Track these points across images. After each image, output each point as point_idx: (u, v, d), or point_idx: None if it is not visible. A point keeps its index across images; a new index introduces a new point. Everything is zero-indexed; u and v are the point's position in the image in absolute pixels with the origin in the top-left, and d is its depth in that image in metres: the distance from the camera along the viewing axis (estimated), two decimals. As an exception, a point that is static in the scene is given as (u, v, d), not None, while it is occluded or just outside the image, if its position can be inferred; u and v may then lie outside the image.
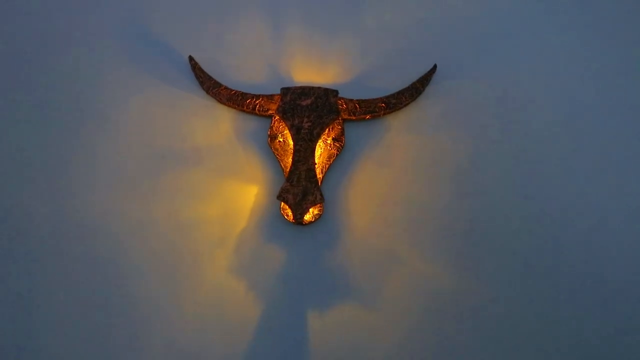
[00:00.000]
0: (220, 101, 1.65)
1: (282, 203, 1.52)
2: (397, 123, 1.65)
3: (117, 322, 1.48)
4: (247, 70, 1.72)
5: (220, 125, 1.66)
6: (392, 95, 1.64)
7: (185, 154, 1.63)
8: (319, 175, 1.56)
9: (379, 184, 1.59)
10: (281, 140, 1.60)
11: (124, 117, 1.67)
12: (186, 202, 1.58)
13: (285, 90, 1.62)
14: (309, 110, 1.58)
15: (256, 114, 1.64)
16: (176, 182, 1.60)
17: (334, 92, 1.62)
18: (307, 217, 1.51)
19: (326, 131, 1.58)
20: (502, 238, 1.54)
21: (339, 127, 1.60)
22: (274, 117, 1.61)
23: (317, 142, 1.55)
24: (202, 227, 1.56)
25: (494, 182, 1.59)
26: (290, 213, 1.50)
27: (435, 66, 1.68)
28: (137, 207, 1.57)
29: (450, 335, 1.47)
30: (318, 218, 1.53)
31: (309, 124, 1.56)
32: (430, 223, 1.55)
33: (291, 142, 1.55)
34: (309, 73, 1.71)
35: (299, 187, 1.49)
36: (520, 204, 1.57)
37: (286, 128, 1.57)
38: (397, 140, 1.64)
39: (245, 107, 1.63)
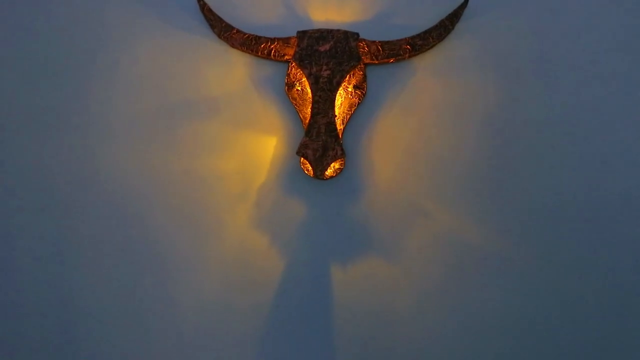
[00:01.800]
0: (232, 46, 1.54)
1: (302, 158, 1.46)
2: (424, 65, 1.53)
3: (143, 278, 1.51)
4: (261, 10, 1.58)
5: (235, 72, 1.56)
6: (418, 36, 1.50)
7: (199, 104, 1.56)
8: (340, 127, 1.48)
9: (404, 132, 1.51)
10: (299, 89, 1.50)
11: (133, 67, 1.58)
12: (204, 156, 1.54)
13: (302, 34, 1.50)
14: (327, 57, 1.47)
15: (272, 59, 1.53)
16: (192, 136, 1.55)
17: (355, 35, 1.49)
18: (329, 171, 1.46)
19: (347, 79, 1.48)
20: (532, 190, 1.47)
21: (361, 73, 1.50)
22: (291, 64, 1.50)
23: (337, 91, 1.45)
24: (222, 182, 1.53)
25: (526, 129, 1.50)
26: (310, 168, 1.45)
27: (466, 0, 1.51)
28: (154, 162, 1.54)
29: (474, 290, 1.46)
30: (340, 172, 1.48)
31: (328, 72, 1.46)
32: (457, 174, 1.49)
33: (310, 92, 1.46)
34: (327, 11, 1.57)
35: (319, 142, 1.42)
36: (553, 154, 1.48)
37: (304, 76, 1.47)
38: (423, 85, 1.53)
39: (259, 53, 1.52)
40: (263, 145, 1.53)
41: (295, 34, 1.51)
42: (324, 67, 1.46)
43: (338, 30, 1.49)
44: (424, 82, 1.52)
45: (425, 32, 1.50)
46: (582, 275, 1.45)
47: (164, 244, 1.52)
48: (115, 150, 1.55)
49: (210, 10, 1.56)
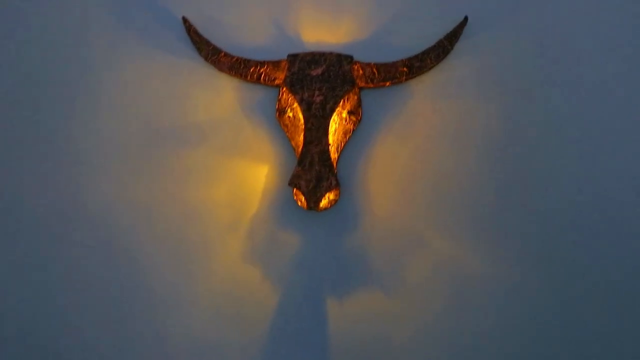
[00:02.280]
0: (220, 70, 1.47)
1: (295, 189, 1.39)
2: (422, 88, 1.46)
3: (130, 313, 1.45)
4: (250, 31, 1.51)
5: (223, 97, 1.49)
6: (416, 57, 1.42)
7: (186, 131, 1.49)
8: (334, 155, 1.41)
9: (401, 159, 1.44)
10: (291, 115, 1.43)
11: (116, 92, 1.51)
12: (192, 185, 1.47)
13: (293, 58, 1.42)
14: (320, 82, 1.39)
15: (262, 84, 1.46)
16: (179, 164, 1.48)
17: (348, 58, 1.41)
18: (323, 203, 1.39)
19: (340, 104, 1.40)
20: (537, 219, 1.40)
21: (355, 97, 1.42)
22: (282, 89, 1.43)
23: (330, 118, 1.38)
24: (211, 212, 1.46)
25: (529, 154, 1.42)
26: (303, 200, 1.37)
27: (466, 19, 1.44)
28: (140, 192, 1.47)
29: (477, 323, 1.39)
30: (335, 203, 1.41)
31: (321, 97, 1.38)
32: (458, 202, 1.42)
33: (302, 118, 1.39)
34: (319, 31, 1.49)
35: (312, 173, 1.35)
36: (558, 180, 1.41)
37: (295, 102, 1.40)
38: (421, 109, 1.45)
39: (249, 77, 1.45)
40: (254, 174, 1.46)
41: (286, 57, 1.44)
42: (317, 93, 1.39)
43: (331, 53, 1.41)
44: (422, 105, 1.45)
45: (423, 53, 1.42)
46: (592, 305, 1.38)
47: (151, 278, 1.45)
48: (98, 180, 1.48)
49: (196, 32, 1.49)
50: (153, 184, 1.47)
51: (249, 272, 1.44)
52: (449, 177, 1.42)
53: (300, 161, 1.36)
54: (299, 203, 1.40)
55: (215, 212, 1.46)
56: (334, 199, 1.40)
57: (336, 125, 1.42)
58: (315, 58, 1.41)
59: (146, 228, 1.46)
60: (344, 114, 1.42)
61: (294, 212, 1.43)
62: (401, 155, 1.44)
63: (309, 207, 1.36)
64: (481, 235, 1.41)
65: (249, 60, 1.45)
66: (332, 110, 1.38)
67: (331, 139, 1.40)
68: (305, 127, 1.37)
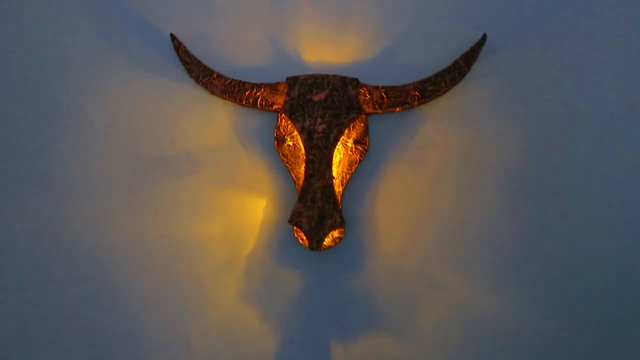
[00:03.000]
0: (213, 93, 1.34)
1: (295, 227, 1.27)
2: (435, 114, 1.32)
3: (118, 356, 1.33)
4: (245, 50, 1.37)
5: (216, 123, 1.36)
6: (429, 80, 1.29)
7: (177, 160, 1.36)
8: (339, 189, 1.28)
9: (412, 192, 1.31)
10: (291, 144, 1.30)
11: (100, 117, 1.38)
12: (183, 219, 1.35)
13: (293, 81, 1.28)
14: (323, 108, 1.26)
15: (259, 109, 1.32)
16: (170, 196, 1.35)
17: (354, 82, 1.28)
18: (326, 241, 1.27)
19: (345, 133, 1.27)
20: (556, 260, 1.28)
21: (362, 124, 1.29)
22: (281, 115, 1.30)
23: (334, 148, 1.25)
24: (204, 249, 1.34)
25: (552, 188, 1.29)
26: (305, 238, 1.25)
27: (484, 36, 1.29)
28: (127, 227, 1.35)
29: (494, 373, 1.28)
30: (339, 241, 1.28)
31: (324, 126, 1.25)
32: (473, 240, 1.30)
33: (303, 148, 1.26)
34: (321, 50, 1.35)
35: (314, 209, 1.23)
36: (581, 218, 1.28)
37: (295, 130, 1.27)
38: (434, 137, 1.32)
39: (244, 101, 1.32)
40: (251, 208, 1.34)
41: (284, 79, 1.30)
42: (319, 120, 1.25)
43: (334, 76, 1.28)
44: (436, 133, 1.32)
45: (437, 75, 1.29)
46: (610, 350, 1.26)
47: (140, 319, 1.34)
48: (82, 213, 1.36)
49: (186, 51, 1.35)
50: (141, 218, 1.35)
51: (246, 314, 1.32)
52: (464, 213, 1.30)
53: (302, 197, 1.23)
54: (300, 241, 1.28)
55: (209, 249, 1.34)
56: (339, 237, 1.28)
57: (341, 155, 1.29)
58: (317, 81, 1.27)
59: (135, 266, 1.34)
60: (350, 144, 1.29)
61: (295, 250, 1.31)
62: (412, 188, 1.31)
63: (311, 247, 1.24)
64: (497, 276, 1.29)
65: (244, 83, 1.32)
66: (336, 140, 1.25)
67: (335, 171, 1.27)
68: (306, 158, 1.24)
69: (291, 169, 1.30)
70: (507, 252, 1.29)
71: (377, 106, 1.29)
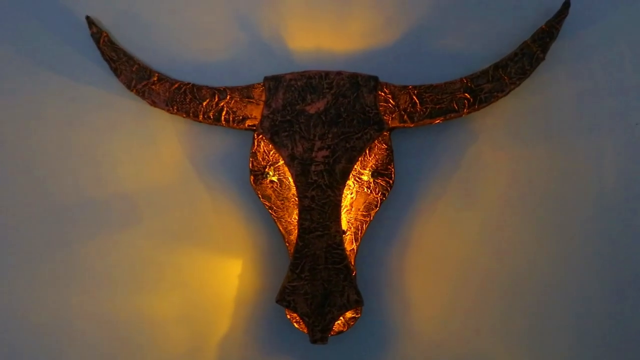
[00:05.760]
0: (153, 104, 0.88)
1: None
2: (494, 124, 0.88)
3: None
4: (200, 36, 0.91)
5: (162, 150, 0.92)
6: (484, 74, 0.84)
7: (107, 207, 0.92)
8: (352, 246, 0.86)
9: (457, 246, 0.90)
10: (275, 180, 0.86)
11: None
12: (122, 292, 0.93)
13: (274, 83, 0.83)
14: (323, 124, 0.82)
15: (223, 126, 0.87)
16: (100, 259, 0.93)
17: (370, 81, 0.83)
18: (336, 327, 0.83)
19: (359, 161, 0.83)
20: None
21: (384, 146, 0.85)
22: (258, 136, 0.84)
23: (343, 185, 0.81)
24: (154, 333, 0.93)
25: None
26: (303, 325, 0.82)
27: (567, 4, 0.84)
28: (39, 303, 0.92)
29: None
30: (354, 323, 0.85)
31: (326, 152, 0.81)
32: (542, 311, 0.88)
33: (294, 187, 0.81)
34: (316, 33, 0.89)
35: (316, 283, 0.80)
36: None
37: (282, 159, 0.82)
38: (492, 161, 0.89)
39: (201, 116, 0.87)
40: (221, 275, 0.93)
41: (262, 80, 0.84)
42: (318, 144, 0.81)
43: (339, 73, 0.82)
44: (494, 155, 0.88)
45: (496, 66, 0.84)
46: None
47: None
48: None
49: (111, 43, 0.89)
50: (59, 292, 0.93)
51: None
52: (531, 277, 0.90)
53: (295, 264, 0.80)
54: (297, 326, 0.85)
55: (162, 334, 0.93)
56: (353, 318, 0.86)
57: (353, 196, 0.85)
58: (312, 82, 0.82)
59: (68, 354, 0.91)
60: (366, 177, 0.85)
61: (288, 334, 0.88)
62: (457, 239, 0.89)
63: (314, 340, 0.81)
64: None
65: (200, 88, 0.86)
66: (346, 173, 0.81)
67: (345, 221, 0.83)
68: (300, 203, 0.80)
69: (277, 218, 0.86)
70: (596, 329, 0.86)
71: (406, 117, 0.84)
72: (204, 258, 0.91)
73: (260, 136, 0.84)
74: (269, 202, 0.86)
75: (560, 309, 0.89)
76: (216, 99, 0.86)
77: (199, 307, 0.91)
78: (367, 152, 0.84)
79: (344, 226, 0.84)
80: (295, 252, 0.81)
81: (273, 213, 0.86)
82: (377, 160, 0.85)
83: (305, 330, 0.83)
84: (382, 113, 0.83)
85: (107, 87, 0.90)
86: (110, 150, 0.91)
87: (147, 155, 0.91)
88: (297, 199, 0.82)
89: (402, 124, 0.84)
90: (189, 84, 0.87)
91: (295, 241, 0.82)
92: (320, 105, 0.82)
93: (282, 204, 0.86)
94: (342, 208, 0.83)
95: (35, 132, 0.91)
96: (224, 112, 0.86)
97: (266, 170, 0.85)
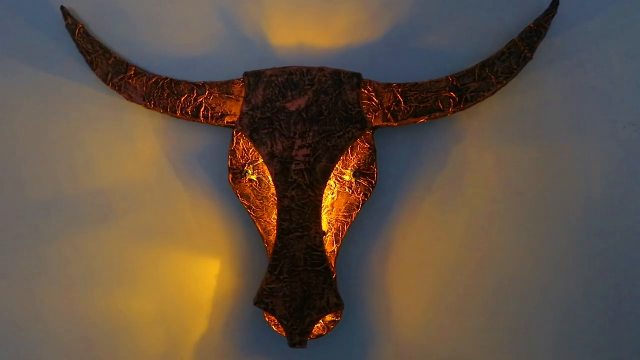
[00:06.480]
0: (130, 99, 0.85)
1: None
2: (480, 125, 0.86)
3: None
4: (178, 29, 0.88)
5: (138, 146, 0.89)
6: (470, 72, 0.82)
7: (82, 204, 0.89)
8: (332, 248, 0.83)
9: (440, 249, 0.88)
10: (254, 179, 0.83)
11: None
12: (95, 292, 0.90)
13: (254, 79, 0.81)
14: (303, 122, 0.79)
15: (202, 122, 0.84)
16: (73, 256, 0.89)
17: (353, 77, 0.81)
18: (315, 330, 0.81)
19: (341, 160, 0.81)
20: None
21: (367, 145, 0.83)
22: (237, 133, 0.82)
23: (324, 185, 0.79)
24: (130, 334, 0.89)
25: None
26: (281, 328, 0.80)
27: (555, 3, 0.82)
28: (27, 298, 0.91)
29: None
30: (333, 327, 0.83)
31: (306, 150, 0.78)
32: (526, 318, 0.87)
33: (273, 186, 0.79)
34: (298, 28, 0.87)
35: (294, 285, 0.77)
36: None
37: (261, 157, 0.79)
38: (477, 162, 0.87)
39: (179, 111, 0.84)
40: (197, 275, 0.90)
41: (241, 75, 0.82)
42: (298, 142, 0.79)
43: (321, 70, 0.80)
44: (480, 156, 0.86)
45: (482, 65, 0.82)
46: None
47: None
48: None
49: (87, 34, 0.86)
50: (32, 290, 0.90)
51: None
52: (521, 281, 0.86)
53: (274, 265, 0.78)
54: (275, 328, 0.82)
55: (137, 335, 0.90)
56: (333, 321, 0.83)
57: (334, 196, 0.83)
58: (293, 78, 0.80)
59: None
60: (348, 177, 0.83)
61: (267, 337, 0.86)
62: (441, 242, 0.87)
63: (292, 343, 0.78)
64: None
65: (178, 83, 0.84)
66: (327, 172, 0.79)
67: (326, 222, 0.81)
68: (280, 203, 0.78)
69: (256, 218, 0.83)
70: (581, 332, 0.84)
71: (390, 116, 0.82)
72: (181, 257, 0.88)
73: (240, 133, 0.82)
74: (248, 201, 0.83)
75: (545, 311, 0.87)
76: (194, 95, 0.84)
77: (175, 307, 0.89)
78: (349, 151, 0.82)
79: (325, 227, 0.82)
80: (274, 253, 0.79)
81: (252, 213, 0.83)
82: (359, 160, 0.83)
83: (284, 334, 0.81)
84: (365, 111, 0.81)
85: (83, 81, 0.88)
86: (85, 146, 0.88)
87: (123, 151, 0.88)
88: (276, 198, 0.79)
89: (385, 123, 0.82)
90: (166, 78, 0.84)
91: (273, 242, 0.80)
92: (301, 102, 0.80)
93: (261, 203, 0.83)
94: (323, 208, 0.81)
95: (7, 126, 0.88)
96: (202, 108, 0.84)
97: (245, 168, 0.83)
